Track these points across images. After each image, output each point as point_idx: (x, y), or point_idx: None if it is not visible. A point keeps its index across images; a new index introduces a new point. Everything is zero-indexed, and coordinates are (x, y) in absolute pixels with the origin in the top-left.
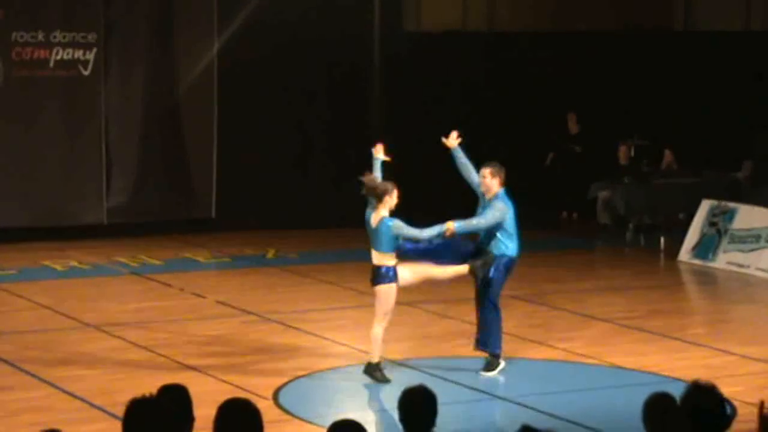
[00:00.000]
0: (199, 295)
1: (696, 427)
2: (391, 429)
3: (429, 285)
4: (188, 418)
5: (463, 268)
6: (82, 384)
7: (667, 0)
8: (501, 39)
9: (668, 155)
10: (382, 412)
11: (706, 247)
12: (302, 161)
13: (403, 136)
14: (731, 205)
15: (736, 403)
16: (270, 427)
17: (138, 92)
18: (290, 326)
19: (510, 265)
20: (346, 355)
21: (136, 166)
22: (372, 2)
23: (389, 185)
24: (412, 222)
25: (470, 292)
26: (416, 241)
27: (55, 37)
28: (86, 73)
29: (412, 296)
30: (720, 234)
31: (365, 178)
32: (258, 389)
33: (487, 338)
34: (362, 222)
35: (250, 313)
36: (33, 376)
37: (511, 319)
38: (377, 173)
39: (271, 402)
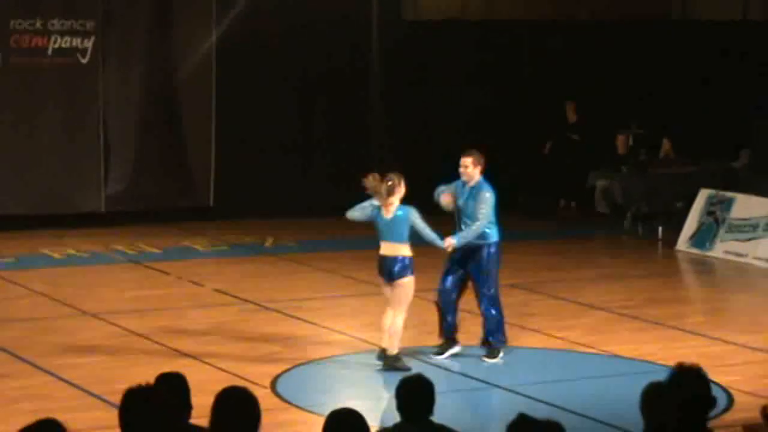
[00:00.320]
0: (197, 284)
1: (682, 409)
2: (389, 417)
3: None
4: (186, 406)
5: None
6: (79, 372)
7: None
8: (500, 27)
9: (666, 144)
10: (379, 400)
11: (703, 236)
12: (301, 149)
13: (402, 124)
14: (729, 194)
15: (733, 392)
16: (268, 415)
17: (136, 81)
18: (288, 315)
19: (499, 250)
20: (344, 344)
21: (134, 155)
22: None
23: (395, 179)
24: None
25: (468, 283)
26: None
27: (53, 24)
28: (84, 61)
29: None
30: (718, 223)
31: (368, 183)
32: (256, 377)
33: (493, 330)
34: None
35: (248, 301)
36: (31, 364)
37: (509, 307)
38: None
39: (268, 390)
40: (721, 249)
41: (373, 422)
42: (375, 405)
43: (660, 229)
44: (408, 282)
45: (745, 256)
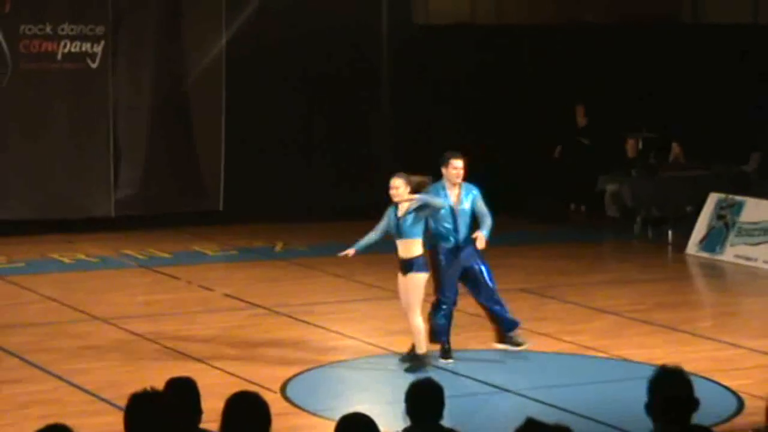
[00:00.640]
0: (207, 288)
1: (664, 411)
2: (399, 422)
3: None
4: (196, 411)
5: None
6: (89, 377)
7: None
8: (509, 31)
9: (676, 148)
10: (389, 404)
11: (713, 240)
12: (311, 154)
13: (412, 129)
14: (739, 198)
15: (744, 396)
16: (278, 419)
17: (146, 85)
18: (298, 319)
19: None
20: (354, 348)
21: (143, 159)
22: None
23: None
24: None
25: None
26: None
27: (63, 29)
28: (94, 65)
29: None
30: (728, 227)
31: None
32: (266, 382)
33: (505, 325)
34: (370, 214)
35: (257, 305)
36: (41, 368)
37: (519, 311)
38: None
39: (278, 395)
40: (731, 253)
41: (384, 426)
42: (385, 409)
43: (670, 233)
44: (420, 278)
45: (755, 260)
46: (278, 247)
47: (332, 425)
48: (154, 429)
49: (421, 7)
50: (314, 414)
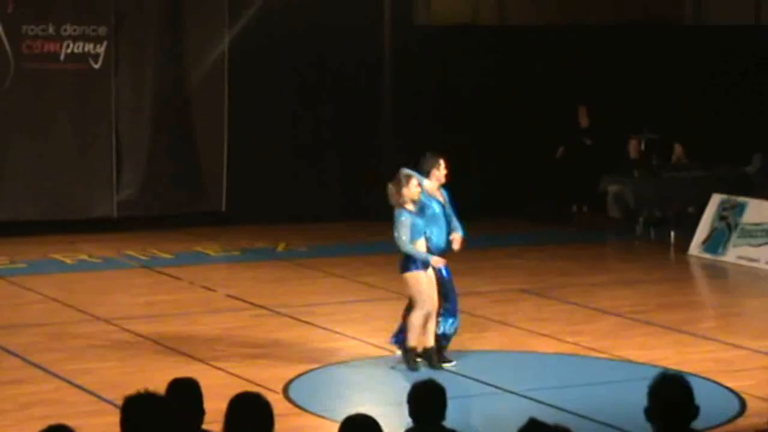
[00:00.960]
0: (209, 289)
1: (663, 418)
2: (401, 422)
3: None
4: (199, 412)
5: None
6: (92, 377)
7: None
8: (511, 32)
9: (678, 149)
10: (391, 405)
11: (716, 241)
12: (313, 154)
13: (413, 130)
14: (741, 199)
15: (746, 397)
16: (280, 420)
17: (148, 86)
18: (300, 320)
19: None
20: (357, 349)
21: (146, 160)
22: None
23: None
24: None
25: (477, 286)
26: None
27: (65, 30)
28: (97, 66)
29: None
30: (730, 228)
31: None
32: (268, 383)
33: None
34: (372, 215)
35: (260, 306)
36: (43, 369)
37: (520, 312)
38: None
39: (281, 395)
40: (733, 254)
41: (387, 428)
42: (387, 410)
43: (672, 234)
44: (410, 277)
45: (758, 261)
46: (280, 247)
47: (335, 426)
48: (149, 431)
49: (422, 8)
50: (317, 415)
